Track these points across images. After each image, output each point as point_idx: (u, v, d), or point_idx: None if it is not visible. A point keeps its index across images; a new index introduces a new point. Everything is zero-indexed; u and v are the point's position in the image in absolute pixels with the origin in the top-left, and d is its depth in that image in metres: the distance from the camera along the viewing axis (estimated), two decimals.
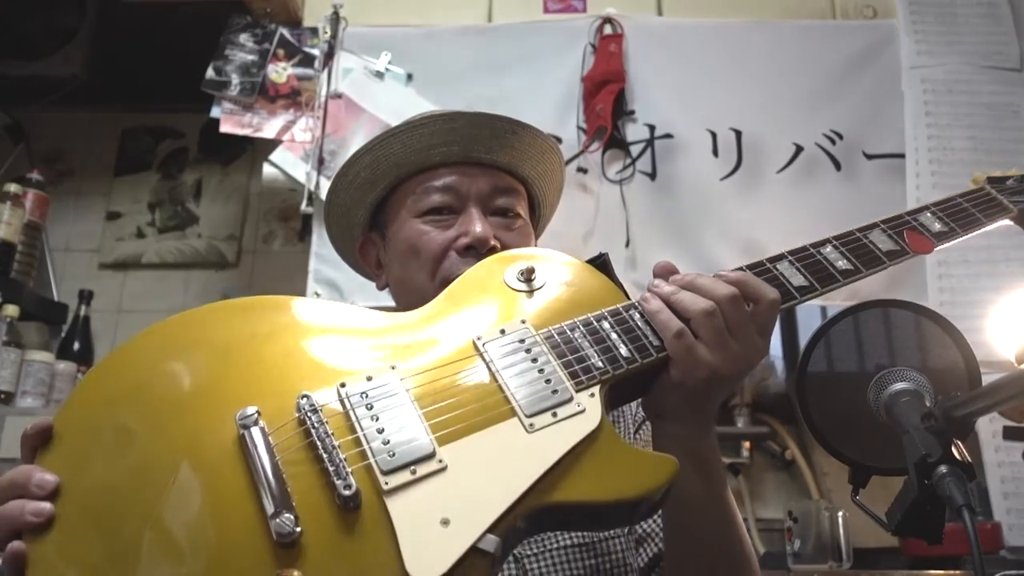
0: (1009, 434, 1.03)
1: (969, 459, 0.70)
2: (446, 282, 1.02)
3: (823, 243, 0.94)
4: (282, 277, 2.78)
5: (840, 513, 2.07)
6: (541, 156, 1.17)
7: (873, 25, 2.56)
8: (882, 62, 2.49)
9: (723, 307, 0.82)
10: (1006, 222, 1.05)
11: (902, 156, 2.39)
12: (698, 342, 0.82)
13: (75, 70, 2.71)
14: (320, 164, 2.34)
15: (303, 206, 2.32)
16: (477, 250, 1.05)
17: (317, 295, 2.33)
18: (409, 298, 1.09)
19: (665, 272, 0.89)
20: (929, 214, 1.01)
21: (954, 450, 0.70)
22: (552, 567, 0.99)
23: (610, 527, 1.00)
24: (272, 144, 2.44)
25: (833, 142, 2.42)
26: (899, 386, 0.79)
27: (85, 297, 2.63)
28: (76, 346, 2.55)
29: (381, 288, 1.20)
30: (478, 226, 1.06)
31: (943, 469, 0.68)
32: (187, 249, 2.87)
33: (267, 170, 2.41)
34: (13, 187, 2.48)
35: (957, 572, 1.90)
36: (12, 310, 2.33)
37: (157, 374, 0.77)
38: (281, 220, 2.89)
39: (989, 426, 2.09)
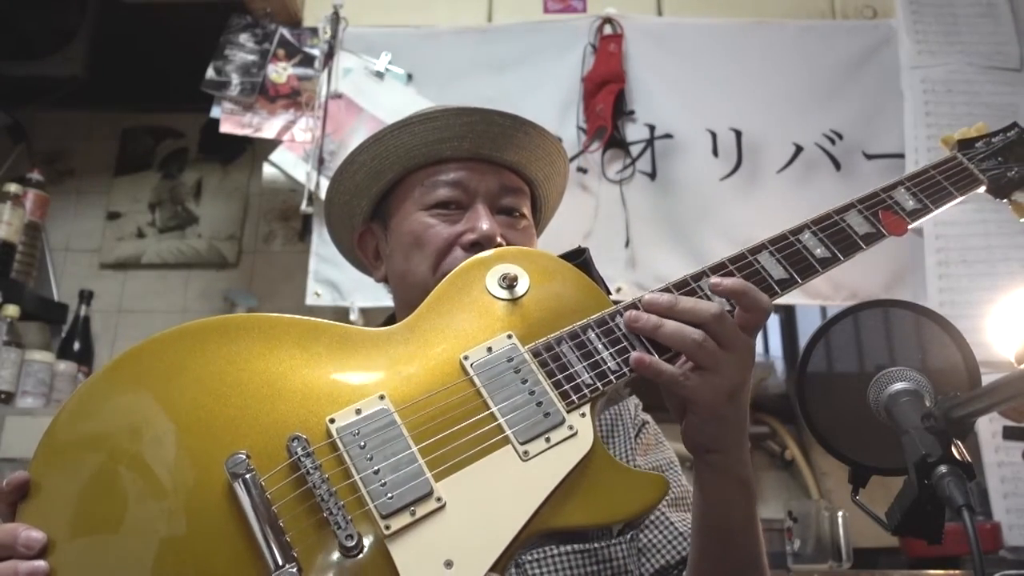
0: (1009, 434, 1.03)
1: (969, 459, 0.70)
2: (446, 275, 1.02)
3: (801, 229, 0.95)
4: (282, 277, 2.78)
5: (840, 513, 2.07)
6: (548, 158, 1.16)
7: (873, 25, 2.56)
8: (882, 62, 2.49)
9: (711, 330, 0.81)
10: (979, 191, 1.06)
11: (902, 156, 2.39)
12: (699, 372, 0.81)
13: (75, 70, 2.72)
14: (320, 164, 2.34)
15: (303, 206, 2.32)
16: (484, 247, 1.04)
17: (317, 295, 2.33)
18: (408, 291, 1.09)
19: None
20: (903, 190, 1.02)
21: (954, 450, 0.70)
22: (553, 572, 1.00)
23: (607, 536, 1.03)
24: (272, 144, 2.44)
25: (833, 142, 2.42)
26: (899, 386, 0.79)
27: (85, 297, 2.63)
28: (76, 346, 2.55)
29: (379, 280, 1.20)
30: (485, 223, 1.06)
31: (943, 469, 0.68)
32: (187, 249, 2.87)
33: (267, 170, 2.41)
34: (13, 187, 2.47)
35: (957, 572, 1.90)
36: (12, 310, 2.33)
37: (134, 412, 0.74)
38: (281, 220, 2.89)
39: (989, 426, 2.09)
